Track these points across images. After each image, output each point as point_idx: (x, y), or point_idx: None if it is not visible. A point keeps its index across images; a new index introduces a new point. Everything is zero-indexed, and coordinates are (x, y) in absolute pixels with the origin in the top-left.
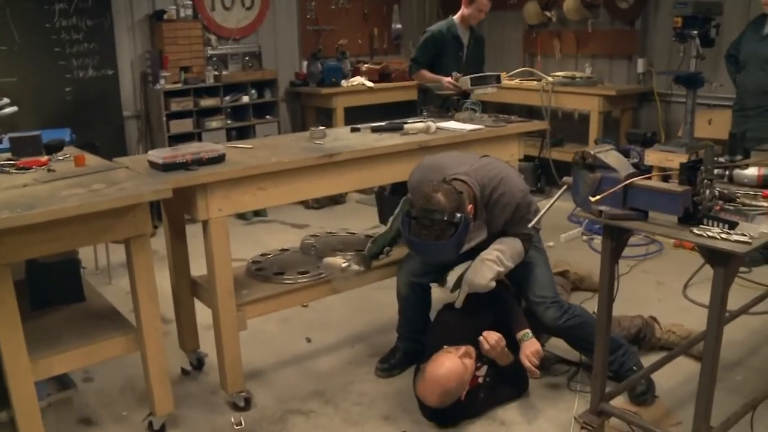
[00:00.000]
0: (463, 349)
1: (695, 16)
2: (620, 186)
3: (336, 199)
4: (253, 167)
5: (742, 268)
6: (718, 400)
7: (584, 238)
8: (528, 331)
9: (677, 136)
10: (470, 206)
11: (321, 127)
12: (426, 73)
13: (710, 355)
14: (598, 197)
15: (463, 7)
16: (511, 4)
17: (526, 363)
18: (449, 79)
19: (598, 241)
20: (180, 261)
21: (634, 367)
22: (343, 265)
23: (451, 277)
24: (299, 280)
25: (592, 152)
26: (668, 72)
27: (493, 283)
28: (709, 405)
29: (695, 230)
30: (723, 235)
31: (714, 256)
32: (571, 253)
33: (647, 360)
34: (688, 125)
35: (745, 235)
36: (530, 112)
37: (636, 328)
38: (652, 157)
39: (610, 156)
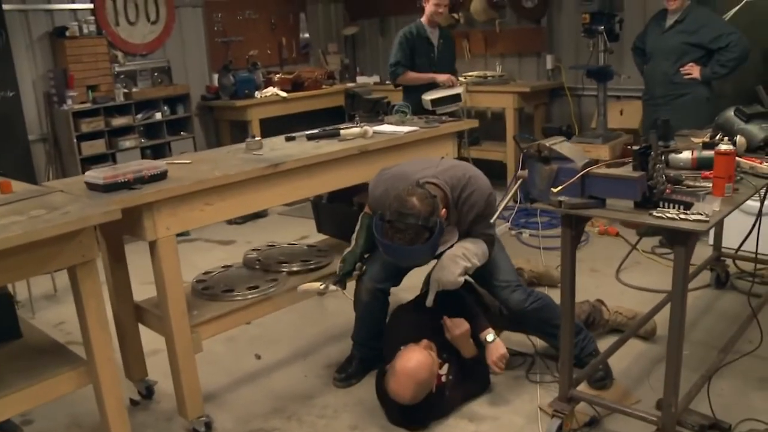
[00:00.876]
0: (424, 342)
1: (601, 12)
2: (579, 176)
3: (258, 213)
4: (201, 182)
5: (665, 250)
6: None
7: (512, 232)
8: (491, 331)
9: (591, 128)
10: (443, 210)
11: (257, 138)
12: (415, 75)
13: (676, 330)
14: (559, 188)
15: (425, 5)
16: (419, 7)
17: (494, 368)
18: (445, 77)
19: (526, 235)
20: (121, 286)
21: (593, 352)
22: (321, 287)
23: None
24: (249, 296)
25: (547, 144)
26: (580, 66)
27: (462, 279)
28: (678, 379)
29: (654, 213)
30: (681, 216)
31: (674, 236)
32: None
33: (601, 345)
34: (601, 117)
35: (701, 214)
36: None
37: (585, 313)
38: None
39: (565, 147)
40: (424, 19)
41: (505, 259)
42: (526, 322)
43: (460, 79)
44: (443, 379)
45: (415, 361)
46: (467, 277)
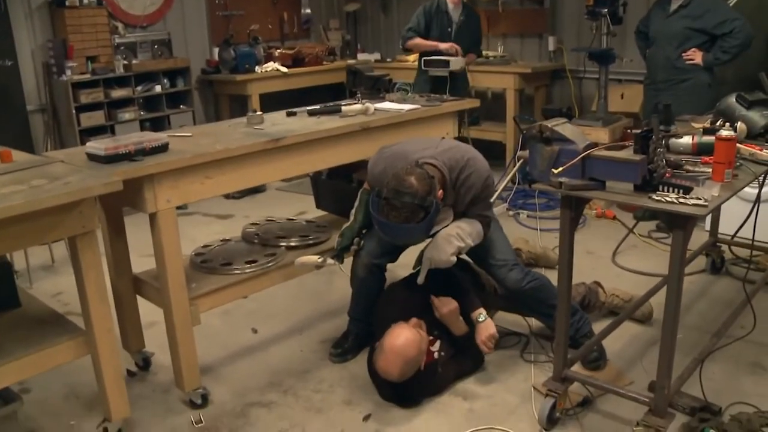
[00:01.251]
0: (413, 320)
1: None
2: (580, 157)
3: (257, 188)
4: (202, 155)
5: (661, 234)
6: None
7: (510, 213)
8: (483, 311)
9: (591, 110)
10: (440, 191)
11: (258, 112)
12: (421, 41)
13: (671, 313)
14: (560, 169)
15: None
16: None
17: (483, 348)
18: (448, 44)
19: (524, 216)
20: (120, 258)
21: (588, 333)
22: (318, 261)
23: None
24: (247, 270)
25: (549, 125)
26: (582, 48)
27: (454, 258)
28: (671, 362)
29: (654, 196)
30: (681, 200)
31: (673, 220)
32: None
33: (596, 327)
34: (602, 100)
35: (701, 199)
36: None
37: (580, 296)
38: None
39: (567, 129)
40: None
41: (503, 239)
42: (523, 301)
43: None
44: (435, 355)
45: (403, 338)
46: (463, 255)
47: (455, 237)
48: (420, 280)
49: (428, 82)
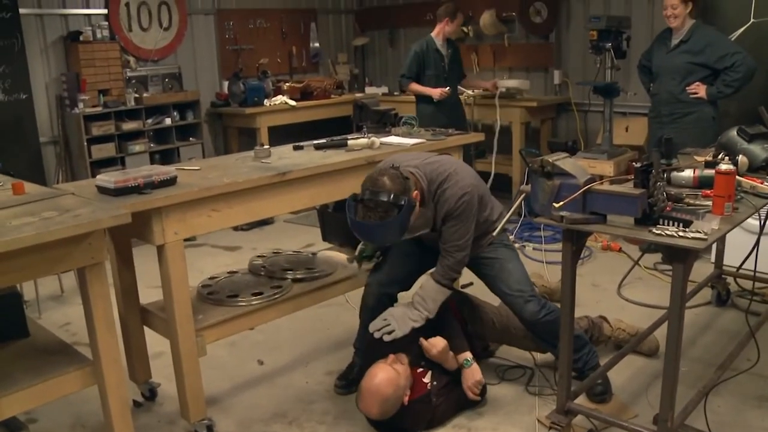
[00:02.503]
0: (390, 357)
1: (609, 29)
2: (580, 192)
3: (265, 220)
4: (209, 188)
5: (667, 266)
6: None
7: (516, 245)
8: (468, 355)
9: (596, 143)
10: (416, 192)
11: (266, 146)
12: (416, 86)
13: (673, 345)
14: (561, 203)
15: (443, 24)
16: (428, 19)
17: (469, 394)
18: (438, 92)
19: (529, 248)
20: (128, 289)
21: (595, 366)
22: (348, 259)
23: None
24: (254, 302)
25: (550, 160)
26: (587, 83)
27: (418, 325)
28: (674, 394)
29: (654, 230)
30: (680, 233)
31: (673, 253)
32: None
33: (601, 359)
34: (606, 133)
35: (700, 232)
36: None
37: (582, 330)
38: None
39: (567, 163)
40: (434, 34)
41: (518, 267)
42: (537, 333)
43: (469, 92)
44: (428, 386)
45: (378, 378)
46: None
47: (416, 307)
48: (383, 337)
49: (426, 110)
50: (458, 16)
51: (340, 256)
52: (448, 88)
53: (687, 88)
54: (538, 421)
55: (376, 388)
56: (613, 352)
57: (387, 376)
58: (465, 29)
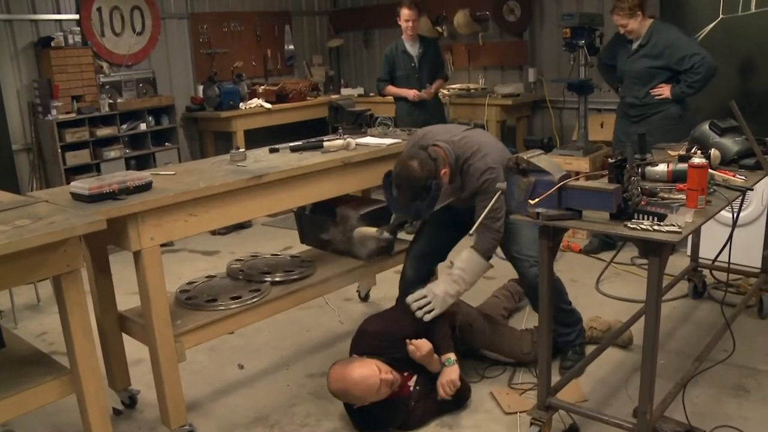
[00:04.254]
0: (389, 375)
1: (581, 26)
2: (555, 188)
3: (242, 223)
4: (185, 193)
5: (644, 261)
6: None
7: None
8: (452, 356)
9: (572, 140)
10: (444, 171)
11: (241, 149)
12: (391, 88)
13: (650, 339)
14: (536, 200)
15: (399, 23)
16: None
17: (440, 391)
18: (413, 93)
19: None
20: (105, 296)
21: (582, 343)
22: (376, 232)
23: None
24: (232, 306)
25: (525, 157)
26: (561, 80)
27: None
28: (652, 386)
29: (629, 224)
30: (655, 227)
31: (649, 247)
32: None
33: None
34: (582, 129)
35: (674, 225)
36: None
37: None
38: None
39: (542, 160)
40: (403, 35)
41: (530, 235)
42: (533, 296)
43: (444, 91)
44: (411, 389)
45: (358, 374)
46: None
47: (456, 282)
48: (424, 316)
49: (404, 109)
50: (401, 12)
51: (370, 230)
52: (424, 88)
53: (651, 91)
54: (519, 415)
55: (352, 381)
56: (590, 345)
57: (368, 384)
58: (439, 29)
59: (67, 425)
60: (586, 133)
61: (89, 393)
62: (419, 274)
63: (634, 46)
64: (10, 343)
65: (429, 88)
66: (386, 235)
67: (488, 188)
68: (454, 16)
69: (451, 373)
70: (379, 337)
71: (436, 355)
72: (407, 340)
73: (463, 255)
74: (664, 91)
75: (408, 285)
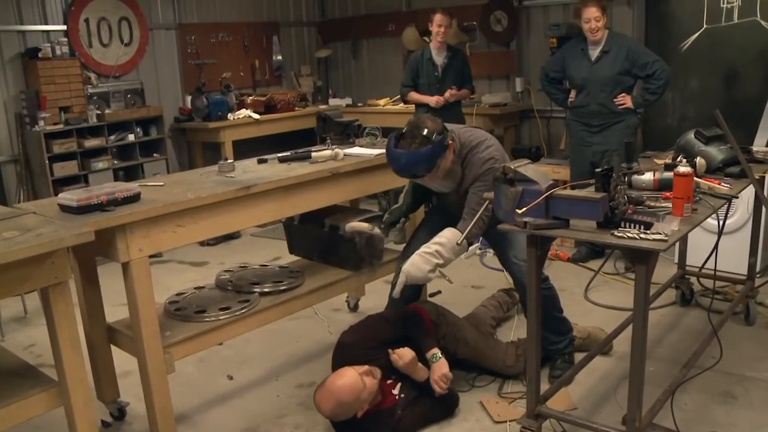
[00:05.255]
0: (365, 368)
1: (568, 36)
2: (543, 197)
3: (231, 234)
4: (173, 204)
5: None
6: None
7: (478, 252)
8: (437, 351)
9: (559, 149)
10: (451, 142)
11: (230, 160)
12: (414, 94)
13: (638, 346)
14: (524, 209)
15: (430, 29)
16: (389, 30)
17: (435, 388)
18: (434, 100)
19: (489, 255)
20: (94, 308)
21: (572, 352)
22: (368, 228)
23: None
24: (221, 317)
25: (512, 167)
26: None
27: (432, 275)
28: (641, 394)
29: (616, 233)
30: (642, 235)
31: (635, 255)
32: (470, 270)
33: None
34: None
35: (661, 234)
36: None
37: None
38: None
39: (529, 169)
40: (432, 42)
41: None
42: (523, 299)
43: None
44: (396, 398)
45: (343, 380)
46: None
47: (434, 255)
48: (396, 293)
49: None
50: (433, 17)
51: (362, 225)
52: (444, 95)
53: (614, 99)
54: (508, 424)
55: (337, 390)
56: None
57: (352, 383)
58: (426, 39)
59: None
60: None
61: (77, 405)
62: None
63: (596, 53)
64: None
65: (450, 92)
66: (377, 231)
67: (488, 177)
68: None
69: (441, 368)
70: (357, 346)
71: (420, 364)
72: (389, 350)
73: (445, 233)
74: (626, 100)
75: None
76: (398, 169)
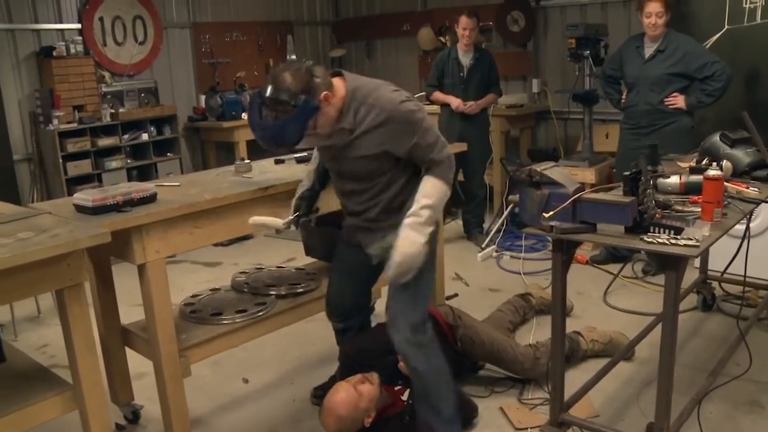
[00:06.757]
0: (357, 377)
1: (587, 36)
2: (570, 201)
3: (245, 235)
4: (191, 205)
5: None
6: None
7: (494, 255)
8: None
9: (576, 151)
10: (325, 93)
11: (246, 160)
12: (438, 94)
13: (667, 354)
14: (551, 213)
15: (455, 29)
16: (405, 30)
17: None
18: (456, 103)
19: (507, 257)
20: (108, 309)
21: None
22: (282, 225)
23: (375, 248)
24: (238, 320)
25: (538, 170)
26: (566, 90)
27: (427, 248)
28: (669, 402)
29: (645, 238)
30: (672, 241)
31: (665, 261)
32: (486, 273)
33: (588, 366)
34: (587, 140)
35: (692, 239)
36: None
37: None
38: None
39: (556, 172)
40: (458, 43)
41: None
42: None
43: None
44: (405, 404)
45: (337, 397)
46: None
47: (426, 221)
48: (390, 274)
49: (445, 116)
50: (459, 20)
51: (274, 222)
52: (466, 107)
53: (665, 100)
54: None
55: (334, 406)
56: (599, 359)
57: (346, 397)
58: (442, 39)
59: None
60: (591, 143)
61: (92, 409)
62: (348, 318)
63: (650, 51)
64: (10, 357)
65: (472, 104)
66: (283, 226)
67: (410, 119)
68: (457, 26)
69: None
70: (359, 356)
71: None
72: (397, 357)
73: (427, 186)
74: (678, 100)
75: (340, 335)
76: (263, 143)
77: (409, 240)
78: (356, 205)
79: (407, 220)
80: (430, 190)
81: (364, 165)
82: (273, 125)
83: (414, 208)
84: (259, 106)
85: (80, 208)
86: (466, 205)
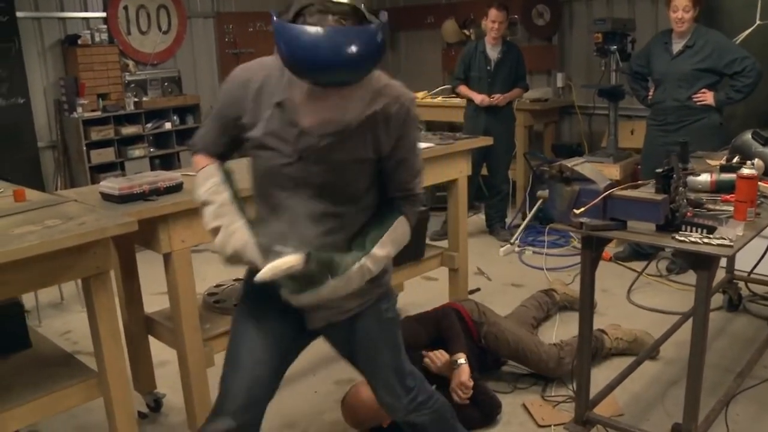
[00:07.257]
0: None
1: (614, 31)
2: (601, 197)
3: None
4: None
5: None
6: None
7: (516, 249)
8: (461, 355)
9: (601, 146)
10: None
11: None
12: (463, 88)
13: (697, 355)
14: (582, 209)
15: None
16: (429, 23)
17: (454, 396)
18: (480, 98)
19: (529, 253)
20: (133, 297)
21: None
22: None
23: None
24: None
25: (569, 165)
26: (592, 86)
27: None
28: (697, 404)
29: (677, 236)
30: (705, 240)
31: (697, 261)
32: (509, 268)
33: (612, 364)
34: (612, 136)
35: (725, 239)
36: (452, 130)
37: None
38: None
39: (586, 168)
40: (486, 36)
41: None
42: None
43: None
44: None
45: (362, 396)
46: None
47: (370, 269)
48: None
49: (469, 112)
50: (489, 12)
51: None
52: (494, 96)
53: (693, 96)
54: (553, 428)
55: (357, 404)
56: (623, 358)
57: (368, 399)
58: (466, 32)
59: (91, 427)
60: (615, 139)
61: (117, 397)
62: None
63: (679, 47)
64: (36, 343)
65: (499, 96)
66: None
67: (412, 124)
68: (482, 19)
69: (460, 375)
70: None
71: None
72: (423, 353)
73: (397, 228)
74: (707, 97)
75: None
76: (341, 61)
77: (352, 280)
78: (318, 237)
79: (365, 260)
80: (400, 238)
81: (355, 174)
82: (363, 30)
83: (375, 249)
84: (311, 15)
85: (106, 197)
86: (490, 199)
